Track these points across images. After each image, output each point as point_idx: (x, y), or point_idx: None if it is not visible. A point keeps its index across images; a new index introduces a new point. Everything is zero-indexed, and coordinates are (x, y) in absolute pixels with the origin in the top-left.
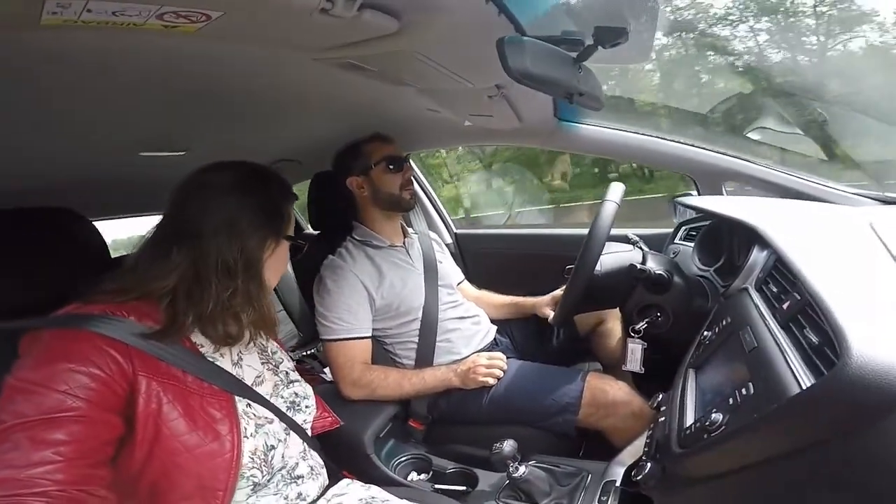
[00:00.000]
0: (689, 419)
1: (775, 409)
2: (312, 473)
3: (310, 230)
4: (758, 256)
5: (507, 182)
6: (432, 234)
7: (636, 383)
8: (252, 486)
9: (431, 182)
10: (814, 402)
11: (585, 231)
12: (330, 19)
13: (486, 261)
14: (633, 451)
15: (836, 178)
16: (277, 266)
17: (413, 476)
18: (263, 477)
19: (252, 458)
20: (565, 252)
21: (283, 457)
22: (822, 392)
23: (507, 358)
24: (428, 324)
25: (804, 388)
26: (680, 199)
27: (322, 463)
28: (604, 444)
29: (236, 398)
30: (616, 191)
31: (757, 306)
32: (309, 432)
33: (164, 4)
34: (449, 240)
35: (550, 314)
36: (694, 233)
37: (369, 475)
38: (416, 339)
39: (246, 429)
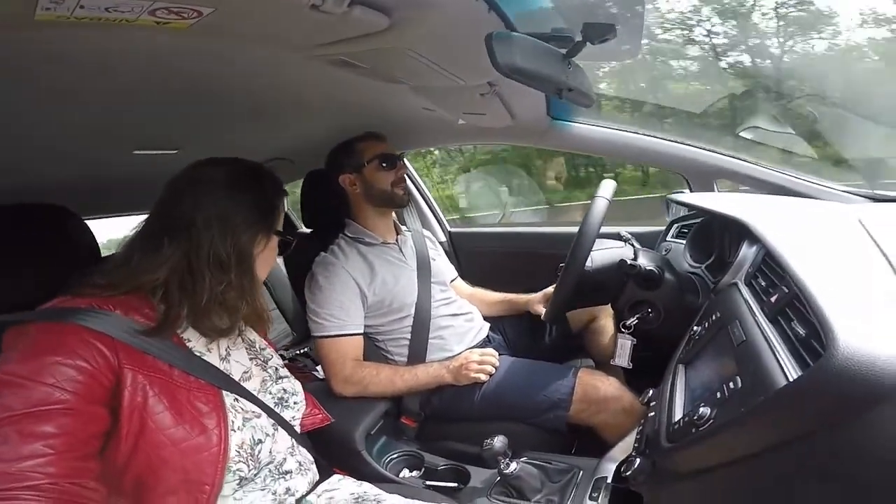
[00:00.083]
0: (678, 414)
1: (762, 402)
2: (301, 469)
3: (303, 229)
4: (747, 251)
5: (481, 187)
6: (426, 232)
7: (628, 379)
8: (238, 481)
9: None
10: (800, 394)
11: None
12: (320, 15)
13: (479, 258)
14: (624, 447)
15: (826, 177)
16: (267, 261)
17: (405, 473)
18: (250, 471)
19: (238, 452)
20: (559, 249)
21: (270, 452)
22: (808, 384)
23: (500, 355)
24: (420, 320)
25: (791, 380)
26: (672, 196)
27: (312, 459)
28: (596, 440)
29: (224, 392)
30: (607, 188)
31: (746, 300)
32: (298, 429)
33: (156, 0)
34: (443, 237)
35: (543, 311)
36: (686, 230)
37: (360, 472)
38: (409, 336)
39: (233, 422)
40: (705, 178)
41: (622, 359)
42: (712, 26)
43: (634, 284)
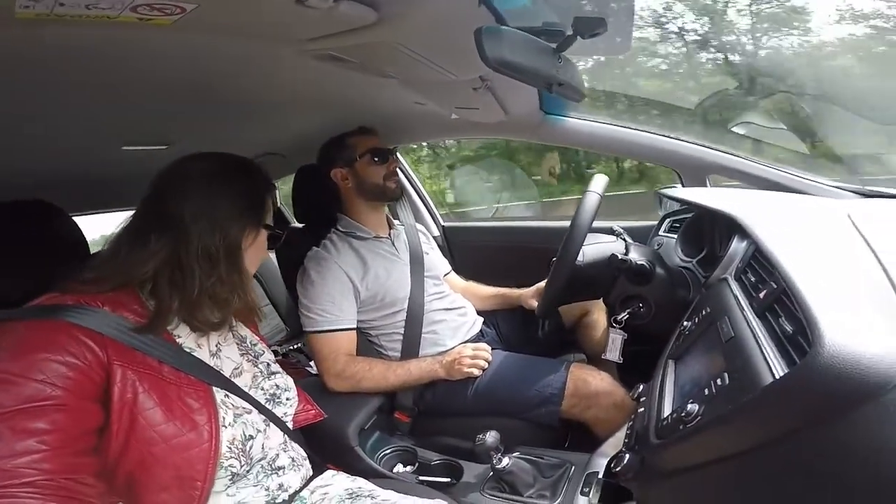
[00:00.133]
0: (667, 410)
1: (748, 400)
2: (294, 465)
3: (295, 224)
4: (738, 246)
5: (467, 183)
6: (419, 226)
7: (620, 374)
8: (230, 477)
9: None
10: (785, 392)
11: None
12: (306, 10)
13: (473, 253)
14: (616, 442)
15: (816, 172)
16: (257, 254)
17: (399, 468)
18: (242, 467)
19: (230, 448)
20: (552, 244)
21: (262, 448)
22: (793, 382)
23: (493, 349)
24: (413, 315)
25: (777, 377)
26: (664, 191)
27: (305, 455)
28: (588, 434)
29: (214, 389)
30: (599, 182)
31: (735, 296)
32: (290, 425)
33: None
34: (436, 232)
35: (535, 305)
36: (678, 224)
37: (354, 468)
38: (402, 331)
39: (224, 418)
40: (697, 173)
41: (613, 353)
42: (685, 23)
43: (625, 279)
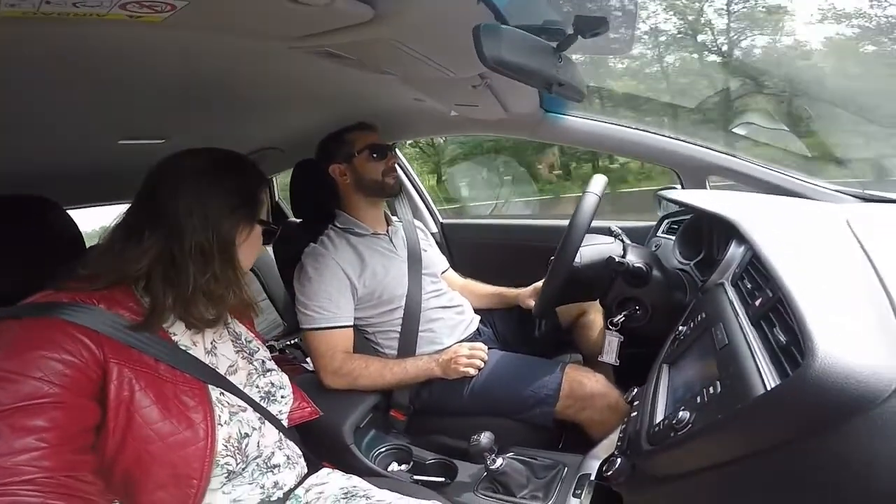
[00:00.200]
0: (659, 415)
1: (738, 410)
2: (289, 463)
3: (293, 219)
4: (735, 251)
5: (458, 180)
6: (417, 223)
7: (616, 376)
8: (226, 475)
9: None
10: (776, 404)
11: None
12: (302, 7)
13: (471, 250)
14: (608, 444)
15: (817, 175)
16: (251, 250)
17: (393, 466)
18: (237, 465)
19: (226, 446)
20: (551, 242)
21: (258, 445)
22: (784, 394)
23: (489, 348)
24: (411, 313)
25: (768, 388)
26: (662, 192)
27: (300, 452)
28: (582, 435)
29: (209, 386)
30: (597, 183)
31: (731, 302)
32: (285, 422)
33: None
34: (434, 229)
35: (532, 305)
36: (676, 226)
37: (349, 466)
38: (399, 329)
39: (220, 416)
40: (697, 173)
41: (609, 356)
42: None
43: (622, 281)
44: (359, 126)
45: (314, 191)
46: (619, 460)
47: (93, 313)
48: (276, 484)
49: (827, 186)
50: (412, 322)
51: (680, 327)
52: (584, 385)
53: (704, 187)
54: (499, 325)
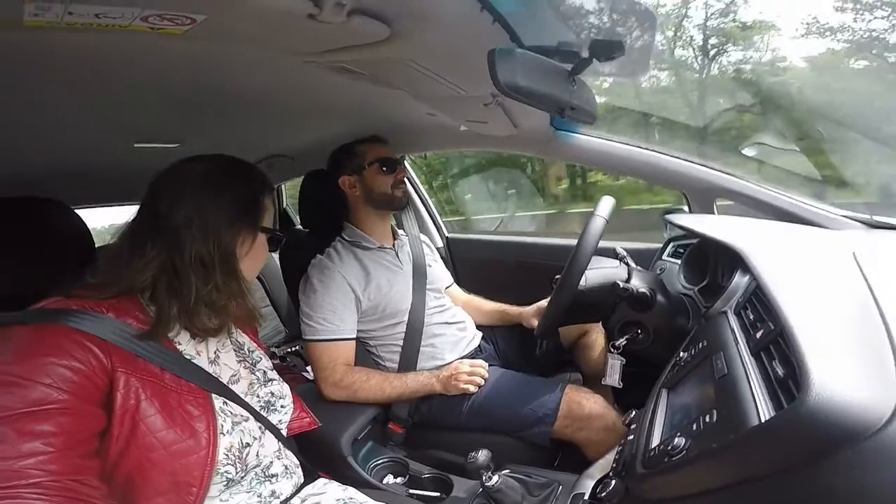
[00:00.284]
0: (655, 440)
1: (731, 440)
2: (287, 472)
3: (300, 227)
4: (740, 280)
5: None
6: (423, 238)
7: (616, 397)
8: (225, 483)
9: None
10: (770, 435)
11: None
12: (319, 25)
13: (476, 266)
14: (604, 464)
15: (827, 197)
16: (255, 260)
17: (389, 479)
18: (237, 474)
19: (227, 455)
20: (556, 261)
21: (257, 455)
22: (778, 426)
23: (490, 365)
24: (413, 327)
25: (762, 421)
26: (669, 217)
27: (297, 462)
28: (578, 455)
29: (213, 396)
30: (605, 205)
31: (733, 331)
32: (284, 432)
33: (147, 7)
34: (440, 243)
35: (535, 324)
36: (682, 250)
37: (345, 476)
38: (401, 343)
39: (223, 426)
40: (705, 196)
41: (612, 379)
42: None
43: (626, 305)
44: (370, 139)
45: (323, 202)
46: (613, 482)
47: (101, 322)
48: (273, 493)
49: (835, 212)
50: (414, 337)
51: (681, 353)
52: (583, 406)
53: (712, 210)
54: (500, 342)
